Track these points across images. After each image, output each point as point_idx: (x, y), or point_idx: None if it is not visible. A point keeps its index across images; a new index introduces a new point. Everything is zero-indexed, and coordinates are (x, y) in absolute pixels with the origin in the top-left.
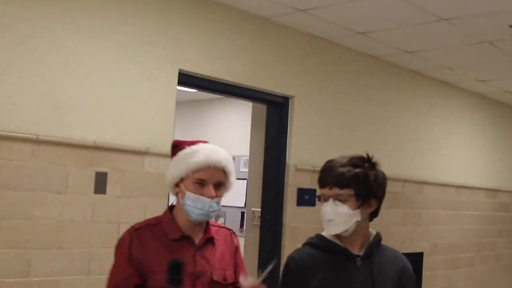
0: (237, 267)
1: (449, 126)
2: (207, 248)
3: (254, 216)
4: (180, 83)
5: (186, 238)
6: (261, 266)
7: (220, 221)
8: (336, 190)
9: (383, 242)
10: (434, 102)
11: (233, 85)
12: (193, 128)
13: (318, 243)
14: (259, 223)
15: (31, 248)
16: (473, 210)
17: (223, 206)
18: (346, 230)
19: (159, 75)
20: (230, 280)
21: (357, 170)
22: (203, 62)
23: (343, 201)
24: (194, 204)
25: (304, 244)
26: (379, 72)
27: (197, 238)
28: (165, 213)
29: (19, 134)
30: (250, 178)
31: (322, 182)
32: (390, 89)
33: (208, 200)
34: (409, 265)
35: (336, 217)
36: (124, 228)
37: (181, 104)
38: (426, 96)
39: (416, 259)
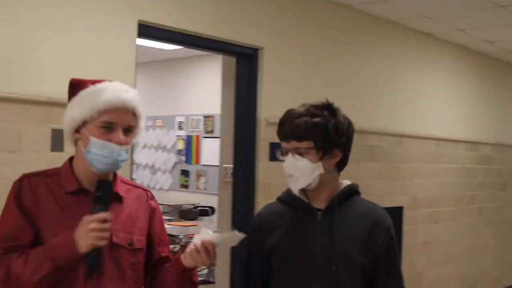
0: (154, 234)
1: (428, 78)
2: (110, 205)
3: (227, 172)
4: (141, 34)
5: (83, 192)
6: (235, 224)
7: (201, 181)
8: (294, 143)
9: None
10: (413, 54)
11: (197, 36)
12: (169, 88)
13: (284, 198)
14: (232, 180)
15: None
16: (454, 163)
17: (204, 165)
18: (309, 184)
19: (117, 26)
20: (138, 245)
21: (315, 119)
22: (165, 12)
23: (303, 154)
24: (101, 152)
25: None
26: (353, 22)
27: None
28: (64, 164)
29: None
30: (222, 134)
31: (280, 135)
32: (365, 40)
33: (117, 147)
34: (383, 220)
35: (296, 171)
36: None
37: (158, 63)
38: (405, 48)
39: (396, 213)
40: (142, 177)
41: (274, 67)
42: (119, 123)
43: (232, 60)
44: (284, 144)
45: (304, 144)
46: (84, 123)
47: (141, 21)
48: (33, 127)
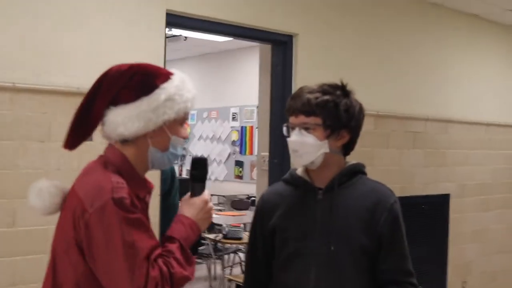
0: None
1: (476, 61)
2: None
3: (264, 161)
4: (169, 24)
5: (149, 193)
6: None
7: (255, 171)
8: (302, 118)
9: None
10: (460, 36)
11: (228, 24)
12: (223, 79)
13: (287, 178)
14: (268, 167)
15: (15, 198)
16: (505, 149)
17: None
18: (312, 162)
19: (145, 16)
20: None
21: (326, 97)
22: (192, 1)
23: (310, 130)
24: (177, 151)
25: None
26: (394, 4)
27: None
28: (122, 161)
29: None
30: (259, 123)
31: (289, 110)
32: (407, 22)
33: (185, 142)
34: (386, 198)
35: (301, 147)
36: None
37: (212, 55)
38: (451, 29)
39: (442, 200)
40: None
41: (309, 54)
42: None
43: (269, 48)
44: (292, 119)
45: (312, 120)
46: (169, 122)
47: (169, 10)
48: (63, 118)
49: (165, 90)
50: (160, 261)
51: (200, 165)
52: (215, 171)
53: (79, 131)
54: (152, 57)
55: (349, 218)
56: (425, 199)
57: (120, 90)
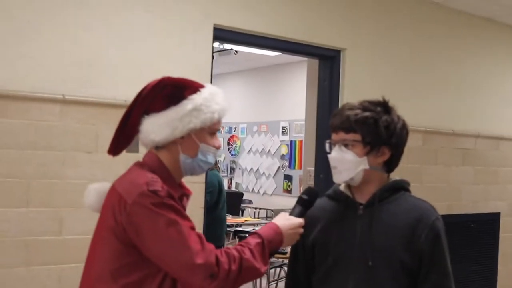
0: None
1: None
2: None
3: (310, 175)
4: (216, 38)
5: (185, 195)
6: None
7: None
8: (342, 135)
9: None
10: (510, 51)
11: (275, 39)
12: (274, 93)
13: (330, 193)
14: (313, 182)
15: (63, 207)
16: None
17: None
18: (351, 179)
19: (192, 30)
20: None
21: (366, 113)
22: (239, 15)
23: (349, 146)
24: (207, 158)
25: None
26: (443, 19)
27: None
28: (157, 163)
29: (44, 95)
30: (306, 138)
31: (331, 127)
32: (456, 37)
33: (217, 151)
34: (428, 215)
35: (340, 164)
36: None
37: (263, 69)
38: (501, 45)
39: (492, 219)
40: (247, 182)
41: (356, 69)
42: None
43: (316, 63)
44: (333, 136)
45: (351, 136)
46: (196, 130)
47: (216, 25)
48: (110, 129)
49: (193, 101)
50: (233, 247)
51: (312, 195)
52: (263, 184)
53: (121, 138)
54: (199, 70)
55: (389, 233)
56: (474, 217)
57: (152, 100)
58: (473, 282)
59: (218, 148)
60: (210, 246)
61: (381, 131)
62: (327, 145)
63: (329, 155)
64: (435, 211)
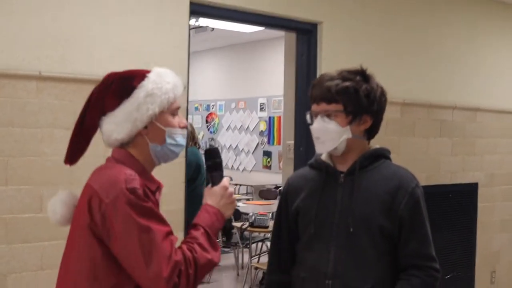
0: None
1: (505, 48)
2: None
3: (290, 149)
4: (193, 13)
5: (158, 189)
6: None
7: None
8: (323, 106)
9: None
10: (487, 23)
11: (252, 13)
12: (251, 70)
13: (312, 162)
14: (293, 156)
15: (42, 184)
16: None
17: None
18: (335, 149)
19: (169, 5)
20: None
21: (346, 83)
22: None
23: (331, 117)
24: (177, 141)
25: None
26: None
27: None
28: (129, 158)
29: (21, 72)
30: (285, 112)
31: (311, 98)
32: (433, 10)
33: (185, 131)
34: (408, 182)
35: (323, 134)
36: None
37: (239, 46)
38: (478, 17)
39: (470, 189)
40: (226, 159)
41: (334, 42)
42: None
43: (294, 38)
44: (314, 107)
45: (333, 107)
46: (156, 116)
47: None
48: None
49: (144, 88)
50: (183, 246)
51: (212, 155)
52: (243, 161)
53: (78, 145)
54: (176, 46)
55: (369, 200)
56: (452, 188)
57: (104, 100)
58: (453, 251)
59: (184, 127)
60: (177, 257)
61: (362, 100)
62: (308, 116)
63: (311, 127)
64: (415, 179)
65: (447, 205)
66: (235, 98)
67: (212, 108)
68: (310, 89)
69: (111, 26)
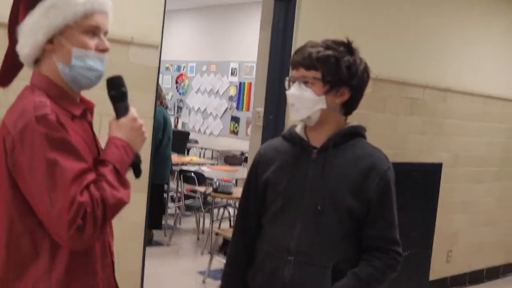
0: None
1: (479, 31)
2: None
3: (259, 116)
4: None
5: (88, 111)
6: None
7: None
8: (302, 72)
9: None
10: (463, 4)
11: None
12: (224, 34)
13: (286, 134)
14: (262, 123)
15: None
16: (503, 122)
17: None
18: (308, 117)
19: None
20: None
21: (328, 52)
22: None
23: (308, 84)
24: (87, 64)
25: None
26: None
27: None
28: (45, 81)
29: None
30: (257, 78)
31: (292, 63)
32: None
33: (103, 55)
34: (381, 164)
35: (298, 101)
36: (106, 121)
37: (213, 8)
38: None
39: (435, 169)
40: (193, 122)
41: (312, 11)
42: (102, 27)
43: (271, 4)
44: (293, 72)
45: (311, 73)
46: (61, 31)
47: None
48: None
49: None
50: (91, 186)
51: (116, 84)
52: (210, 125)
53: (9, 65)
54: (151, 4)
55: (340, 179)
56: (417, 166)
57: (17, 14)
58: (413, 229)
59: (103, 50)
60: (83, 197)
61: (342, 71)
62: (286, 82)
63: (287, 92)
64: (388, 161)
65: (411, 183)
66: (207, 60)
67: (183, 69)
68: (293, 55)
69: None
